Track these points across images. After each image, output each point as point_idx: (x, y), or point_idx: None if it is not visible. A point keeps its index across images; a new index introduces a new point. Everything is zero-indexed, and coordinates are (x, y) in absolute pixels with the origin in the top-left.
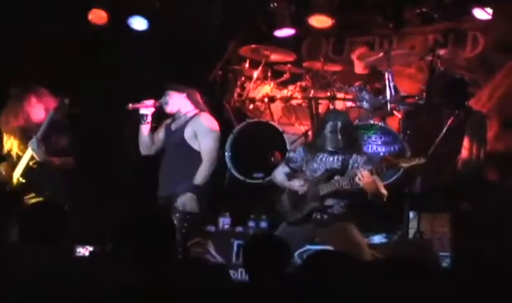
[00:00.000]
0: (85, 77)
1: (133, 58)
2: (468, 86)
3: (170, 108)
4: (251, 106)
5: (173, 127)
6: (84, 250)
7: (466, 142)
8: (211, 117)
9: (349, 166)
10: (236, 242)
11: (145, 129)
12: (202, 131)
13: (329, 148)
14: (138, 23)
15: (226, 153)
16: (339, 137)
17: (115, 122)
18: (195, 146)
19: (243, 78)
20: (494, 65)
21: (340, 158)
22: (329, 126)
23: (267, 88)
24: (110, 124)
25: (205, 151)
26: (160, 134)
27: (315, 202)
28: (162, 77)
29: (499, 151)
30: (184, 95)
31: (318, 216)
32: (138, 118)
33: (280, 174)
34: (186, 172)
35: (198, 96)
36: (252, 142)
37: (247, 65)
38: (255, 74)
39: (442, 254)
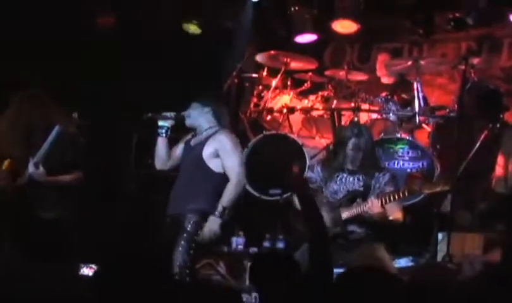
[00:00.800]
0: (94, 83)
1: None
2: (503, 97)
3: (190, 122)
4: (268, 117)
5: (192, 143)
6: (88, 270)
7: (500, 159)
8: (232, 134)
9: (372, 187)
10: (249, 264)
11: (162, 142)
12: (226, 150)
13: (350, 167)
14: None
15: None
16: (361, 155)
17: (125, 134)
18: (213, 165)
19: (260, 87)
20: None
21: (361, 178)
22: (350, 144)
23: (286, 98)
24: (120, 136)
25: (232, 171)
26: (178, 150)
27: (337, 227)
28: (174, 86)
29: None
30: (209, 108)
31: (341, 241)
32: (157, 131)
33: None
34: (200, 192)
35: (225, 112)
36: (269, 156)
37: (265, 73)
38: (274, 82)
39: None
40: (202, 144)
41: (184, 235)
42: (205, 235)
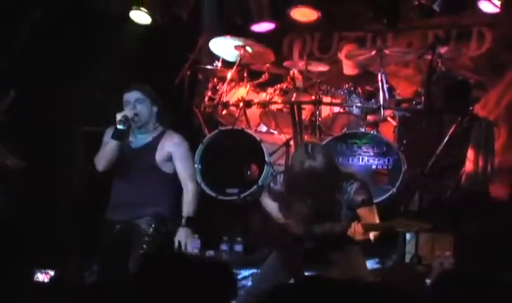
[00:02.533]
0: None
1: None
2: (472, 89)
3: (139, 122)
4: (224, 111)
5: (134, 144)
6: (44, 276)
7: (470, 153)
8: (179, 134)
9: (342, 201)
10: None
11: (117, 145)
12: (182, 155)
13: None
14: None
15: (196, 166)
16: (316, 181)
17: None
18: (166, 168)
19: (215, 79)
20: (503, 65)
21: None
22: (301, 169)
23: (243, 91)
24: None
25: (191, 179)
26: (109, 149)
27: (309, 242)
28: (119, 77)
29: (508, 164)
30: (157, 108)
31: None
32: (115, 134)
33: (269, 201)
34: (156, 196)
35: (168, 112)
36: (225, 153)
37: (220, 64)
38: (229, 74)
39: None
40: (152, 147)
41: (145, 238)
42: (176, 247)
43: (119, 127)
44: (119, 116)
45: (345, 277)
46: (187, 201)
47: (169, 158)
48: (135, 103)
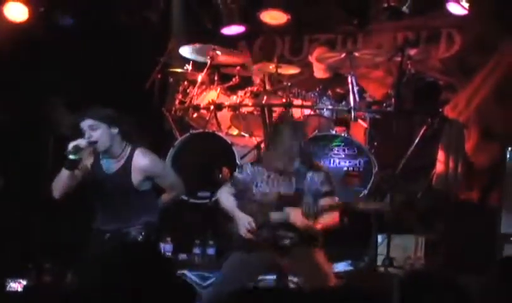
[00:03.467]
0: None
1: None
2: (442, 90)
3: (101, 147)
4: (195, 114)
5: (105, 166)
6: (17, 285)
7: (441, 155)
8: (146, 149)
9: (306, 189)
10: (178, 272)
11: (70, 175)
12: (156, 171)
13: (280, 167)
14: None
15: None
16: (295, 155)
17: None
18: (145, 187)
19: (185, 83)
20: (472, 67)
21: (293, 181)
22: (283, 141)
23: (213, 94)
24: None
25: (172, 185)
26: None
27: (266, 234)
28: (90, 84)
29: (478, 165)
30: (117, 130)
31: (278, 243)
32: (66, 163)
33: (227, 196)
34: (142, 209)
35: (133, 126)
36: (196, 156)
37: (190, 67)
38: (200, 77)
39: None
40: (125, 173)
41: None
42: None
43: (70, 157)
44: (70, 146)
45: (306, 275)
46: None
47: (146, 179)
48: (90, 131)
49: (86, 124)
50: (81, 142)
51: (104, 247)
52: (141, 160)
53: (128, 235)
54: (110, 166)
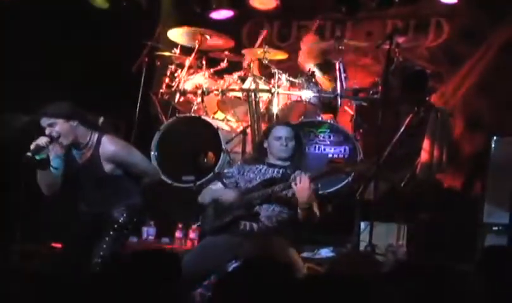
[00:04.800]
0: None
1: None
2: (429, 79)
3: (64, 141)
4: (181, 98)
5: (77, 156)
6: None
7: (426, 143)
8: (113, 136)
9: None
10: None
11: (46, 173)
12: (123, 159)
13: (271, 161)
14: None
15: (152, 153)
16: (285, 147)
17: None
18: (119, 172)
19: (172, 66)
20: (460, 56)
21: (281, 171)
22: (274, 133)
23: (201, 78)
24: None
25: (143, 172)
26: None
27: (239, 210)
28: (80, 69)
29: (463, 154)
30: (76, 122)
31: (248, 227)
32: (37, 166)
33: (209, 193)
34: (121, 193)
35: (91, 115)
36: (182, 140)
37: (178, 51)
38: (187, 62)
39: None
40: (94, 162)
41: (115, 226)
42: None
43: (36, 157)
44: (32, 147)
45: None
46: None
47: (116, 166)
48: (49, 128)
49: (44, 122)
50: (41, 140)
51: (87, 229)
52: (108, 147)
53: (109, 215)
54: (80, 156)
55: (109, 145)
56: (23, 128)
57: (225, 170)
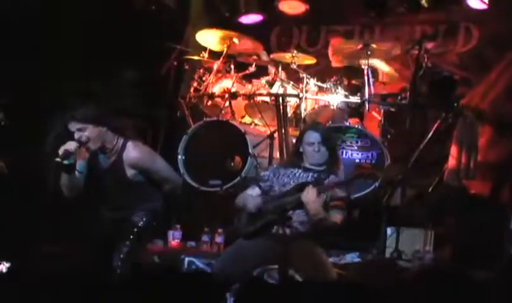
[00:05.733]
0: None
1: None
2: (458, 85)
3: (92, 146)
4: (209, 102)
5: (102, 161)
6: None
7: (454, 149)
8: (138, 142)
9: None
10: (187, 259)
11: (71, 178)
12: (148, 164)
13: (307, 165)
14: None
15: (179, 157)
16: (317, 152)
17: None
18: (141, 178)
19: (201, 70)
20: (489, 62)
21: (315, 176)
22: (306, 138)
23: (229, 82)
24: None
25: (165, 180)
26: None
27: (273, 214)
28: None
29: (491, 161)
30: (105, 128)
31: (280, 231)
32: (65, 170)
33: (246, 197)
34: (142, 199)
35: (119, 120)
36: (209, 144)
37: (206, 55)
38: (215, 65)
39: None
40: (118, 165)
41: (135, 229)
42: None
43: (64, 162)
44: (60, 151)
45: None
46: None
47: (139, 172)
48: (78, 132)
49: (73, 126)
50: (70, 145)
51: (107, 233)
52: (132, 153)
53: (129, 219)
54: (105, 161)
55: (133, 151)
56: (52, 131)
57: (262, 173)
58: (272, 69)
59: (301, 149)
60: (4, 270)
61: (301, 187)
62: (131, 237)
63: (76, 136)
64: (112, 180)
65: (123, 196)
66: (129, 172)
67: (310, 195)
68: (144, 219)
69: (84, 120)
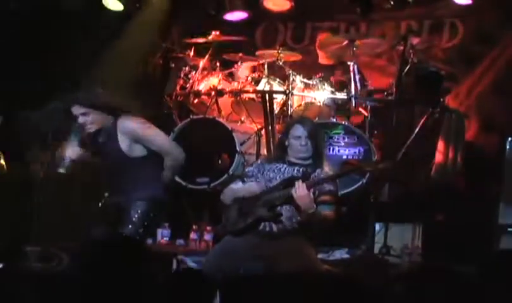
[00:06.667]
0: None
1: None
2: (443, 80)
3: (94, 127)
4: (195, 100)
5: (101, 138)
6: None
7: (440, 144)
8: (133, 117)
9: (311, 177)
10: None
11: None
12: (140, 134)
13: (292, 159)
14: None
15: None
16: (304, 146)
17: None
18: (137, 153)
19: (186, 68)
20: (474, 57)
21: (301, 170)
22: (292, 132)
23: (215, 80)
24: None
25: (164, 147)
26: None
27: (263, 210)
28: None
29: (478, 155)
30: (105, 112)
31: (267, 228)
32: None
33: (231, 192)
34: (139, 182)
35: (113, 99)
36: (196, 142)
37: (192, 53)
38: (201, 63)
39: None
40: (113, 139)
41: (130, 226)
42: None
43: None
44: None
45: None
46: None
47: (134, 142)
48: (82, 117)
49: (77, 110)
50: (73, 153)
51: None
52: (125, 122)
53: (126, 211)
54: (104, 136)
55: (126, 120)
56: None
57: (246, 169)
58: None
59: (286, 143)
60: None
61: (288, 183)
62: (129, 226)
63: (81, 120)
64: (107, 156)
65: (120, 176)
66: (124, 144)
67: (300, 190)
68: (138, 211)
69: (89, 105)
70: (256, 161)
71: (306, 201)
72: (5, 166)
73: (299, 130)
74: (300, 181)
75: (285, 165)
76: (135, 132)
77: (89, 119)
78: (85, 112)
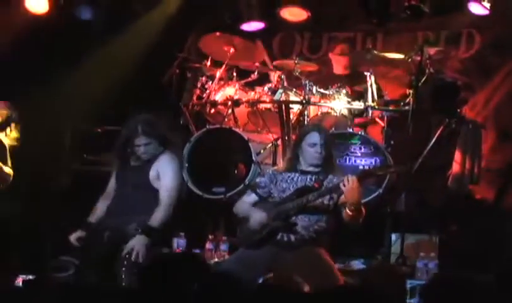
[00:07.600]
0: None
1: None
2: (461, 90)
3: (147, 157)
4: (212, 110)
5: (132, 162)
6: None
7: (457, 155)
8: (173, 154)
9: (324, 185)
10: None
11: None
12: (164, 171)
13: (303, 168)
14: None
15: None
16: (319, 154)
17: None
18: (156, 185)
19: (203, 78)
20: (491, 67)
21: (313, 178)
22: (308, 139)
23: (231, 90)
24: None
25: (165, 191)
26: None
27: (277, 221)
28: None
29: (494, 166)
30: (158, 144)
31: (285, 238)
32: None
33: (244, 204)
34: (143, 210)
35: (166, 133)
36: (212, 152)
37: (208, 63)
38: (218, 73)
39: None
40: (146, 167)
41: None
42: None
43: None
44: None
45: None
46: (156, 213)
47: (158, 176)
48: (143, 147)
49: (140, 140)
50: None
51: (102, 242)
52: (162, 156)
53: (125, 235)
54: (137, 161)
55: (166, 157)
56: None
57: (258, 180)
58: (274, 77)
59: (299, 152)
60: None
61: (301, 192)
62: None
63: (142, 150)
64: (131, 179)
65: (132, 197)
66: (152, 174)
67: (351, 183)
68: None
69: (153, 136)
70: (267, 171)
71: (355, 193)
72: (12, 174)
73: (315, 138)
74: (349, 174)
75: (297, 174)
76: (164, 166)
77: (149, 150)
78: (146, 142)
